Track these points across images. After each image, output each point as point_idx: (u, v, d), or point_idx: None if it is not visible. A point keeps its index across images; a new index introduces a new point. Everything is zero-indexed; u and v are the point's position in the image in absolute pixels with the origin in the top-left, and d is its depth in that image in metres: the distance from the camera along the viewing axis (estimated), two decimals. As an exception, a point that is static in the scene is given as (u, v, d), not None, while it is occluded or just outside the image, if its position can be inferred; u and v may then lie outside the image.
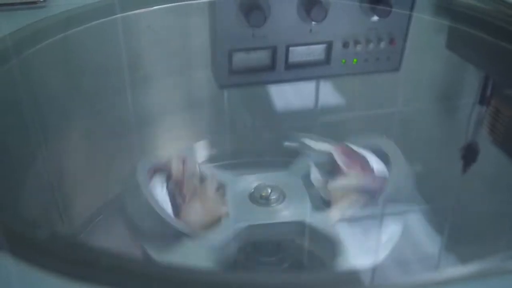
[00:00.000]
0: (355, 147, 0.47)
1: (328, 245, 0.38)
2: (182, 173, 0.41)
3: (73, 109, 0.47)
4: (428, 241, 0.44)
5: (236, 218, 0.40)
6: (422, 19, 0.55)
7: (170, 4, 0.52)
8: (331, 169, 0.45)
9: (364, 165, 0.45)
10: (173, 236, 0.36)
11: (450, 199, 0.46)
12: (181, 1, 0.53)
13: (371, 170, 0.44)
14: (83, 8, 0.48)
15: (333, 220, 0.40)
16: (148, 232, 0.38)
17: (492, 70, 0.52)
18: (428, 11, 0.55)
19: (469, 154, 0.49)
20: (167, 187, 0.40)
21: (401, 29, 0.56)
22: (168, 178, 0.41)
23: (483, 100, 0.52)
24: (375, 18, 0.55)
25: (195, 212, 0.39)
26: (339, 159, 0.45)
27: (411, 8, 0.55)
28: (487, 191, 0.45)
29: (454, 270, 0.21)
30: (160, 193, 0.39)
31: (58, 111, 0.45)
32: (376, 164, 0.45)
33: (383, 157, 0.46)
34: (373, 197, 0.42)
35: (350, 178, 0.44)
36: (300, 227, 0.40)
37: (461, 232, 0.39)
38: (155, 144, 0.56)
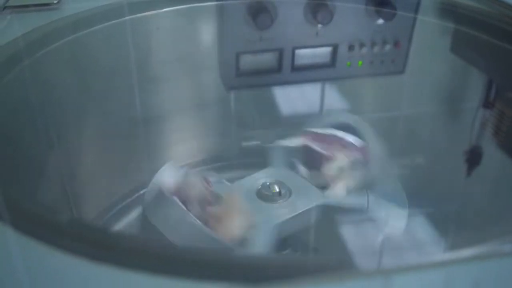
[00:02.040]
0: (321, 131, 0.47)
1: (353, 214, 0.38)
2: (198, 194, 0.41)
3: (84, 108, 0.48)
4: (429, 239, 0.45)
5: (259, 222, 0.40)
6: (427, 21, 0.56)
7: (178, 7, 0.53)
8: (313, 159, 0.46)
9: (341, 142, 0.46)
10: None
11: (455, 202, 0.47)
12: (190, 4, 0.53)
13: (350, 143, 0.45)
14: (93, 10, 0.49)
15: (343, 194, 0.40)
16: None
17: (496, 72, 0.53)
18: (432, 14, 0.55)
19: (474, 157, 0.49)
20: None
21: (406, 32, 0.57)
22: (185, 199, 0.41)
23: (487, 102, 0.52)
24: (380, 21, 0.56)
25: (225, 227, 0.39)
26: (315, 146, 0.46)
27: (416, 11, 0.55)
28: (491, 194, 0.46)
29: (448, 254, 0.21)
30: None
31: (70, 110, 0.46)
32: (350, 137, 0.46)
33: (352, 130, 0.47)
34: (365, 166, 0.43)
35: (338, 158, 0.44)
36: (322, 209, 0.41)
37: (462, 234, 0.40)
38: (163, 144, 0.57)
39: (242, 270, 0.22)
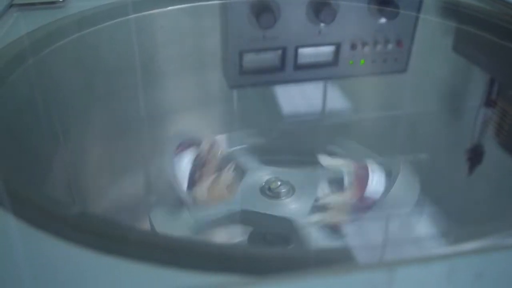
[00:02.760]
0: (370, 164, 0.47)
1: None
2: (208, 153, 0.43)
3: (89, 105, 0.49)
4: (432, 233, 0.45)
5: (236, 202, 0.42)
6: (429, 20, 0.56)
7: (183, 5, 0.53)
8: (338, 184, 0.46)
9: (362, 184, 0.46)
10: (177, 204, 0.39)
11: (456, 201, 0.47)
12: (194, 3, 0.54)
13: (364, 189, 0.45)
14: (98, 8, 0.49)
15: (312, 222, 0.41)
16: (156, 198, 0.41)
17: (499, 71, 0.53)
18: (435, 13, 0.56)
19: (476, 156, 0.49)
20: (192, 162, 0.42)
21: (408, 31, 0.57)
22: (197, 154, 0.44)
23: (490, 101, 0.52)
24: (383, 20, 0.57)
25: (204, 190, 0.41)
26: (347, 176, 0.46)
27: (418, 10, 0.56)
28: (493, 193, 0.46)
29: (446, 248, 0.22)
30: (184, 165, 0.41)
31: (76, 107, 0.47)
32: (374, 184, 0.46)
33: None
34: (357, 216, 0.43)
35: (340, 197, 0.45)
36: (284, 223, 0.41)
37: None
38: (166, 140, 0.57)
39: (248, 262, 0.22)
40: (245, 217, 0.42)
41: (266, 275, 0.21)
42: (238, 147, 0.51)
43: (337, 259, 0.22)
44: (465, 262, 0.22)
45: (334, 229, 0.41)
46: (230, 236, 0.42)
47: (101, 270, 0.21)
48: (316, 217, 0.42)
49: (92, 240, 0.21)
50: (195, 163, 0.43)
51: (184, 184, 0.43)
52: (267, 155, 0.50)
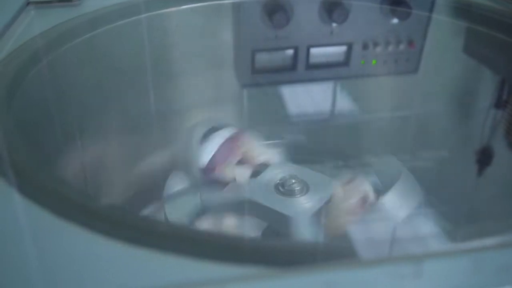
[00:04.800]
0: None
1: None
2: (239, 139, 0.45)
3: (104, 103, 0.49)
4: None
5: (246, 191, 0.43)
6: (441, 21, 0.56)
7: (196, 4, 0.53)
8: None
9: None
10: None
11: (465, 202, 0.47)
12: (207, 2, 0.54)
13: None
14: (114, 7, 0.50)
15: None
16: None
17: (511, 72, 0.53)
18: (446, 13, 0.56)
19: (486, 158, 0.49)
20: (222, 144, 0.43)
21: (420, 31, 0.57)
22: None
23: (501, 102, 0.53)
24: (395, 20, 0.57)
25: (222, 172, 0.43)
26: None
27: (430, 10, 0.56)
28: (503, 195, 0.46)
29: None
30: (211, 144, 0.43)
31: (91, 104, 0.47)
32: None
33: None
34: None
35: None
36: (282, 219, 0.41)
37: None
38: (178, 138, 0.58)
39: (272, 254, 0.22)
40: (251, 208, 0.42)
41: (295, 266, 0.21)
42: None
43: (362, 252, 0.22)
44: (491, 256, 0.22)
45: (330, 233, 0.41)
46: (232, 223, 0.42)
47: (127, 260, 0.21)
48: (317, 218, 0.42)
49: (113, 230, 0.22)
50: (225, 145, 0.44)
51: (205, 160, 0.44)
52: (287, 153, 0.50)
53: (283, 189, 0.44)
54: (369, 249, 0.22)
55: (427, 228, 0.44)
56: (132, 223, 0.23)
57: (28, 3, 0.47)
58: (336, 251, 0.21)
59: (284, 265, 0.21)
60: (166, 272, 0.21)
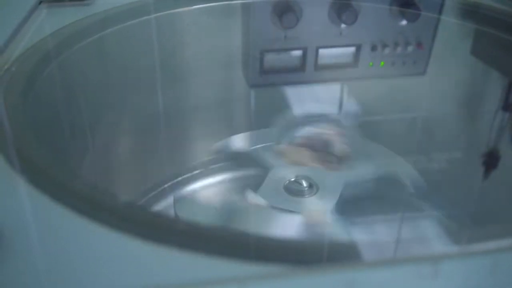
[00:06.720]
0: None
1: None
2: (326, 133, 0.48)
3: (115, 102, 0.49)
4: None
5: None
6: (449, 22, 0.56)
7: (206, 5, 0.54)
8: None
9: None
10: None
11: (472, 205, 0.47)
12: (217, 2, 0.54)
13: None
14: (125, 6, 0.50)
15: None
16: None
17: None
18: (455, 15, 0.56)
19: (493, 160, 0.49)
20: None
21: (428, 33, 0.58)
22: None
23: (509, 104, 0.53)
24: (404, 21, 0.57)
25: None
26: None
27: (440, 12, 0.56)
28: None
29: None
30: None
31: (103, 103, 0.47)
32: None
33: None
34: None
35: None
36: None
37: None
38: (187, 138, 0.58)
39: (293, 252, 0.23)
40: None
41: (316, 265, 0.21)
42: (261, 145, 0.51)
43: (379, 252, 0.22)
44: (507, 257, 0.22)
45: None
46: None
47: (142, 256, 0.22)
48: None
49: (134, 228, 0.22)
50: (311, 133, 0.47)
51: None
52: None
53: (292, 189, 0.44)
54: (384, 250, 0.22)
55: (433, 230, 0.44)
56: (145, 219, 0.24)
57: (40, 2, 0.47)
58: (355, 251, 0.21)
59: (305, 263, 0.21)
60: (181, 269, 0.21)
